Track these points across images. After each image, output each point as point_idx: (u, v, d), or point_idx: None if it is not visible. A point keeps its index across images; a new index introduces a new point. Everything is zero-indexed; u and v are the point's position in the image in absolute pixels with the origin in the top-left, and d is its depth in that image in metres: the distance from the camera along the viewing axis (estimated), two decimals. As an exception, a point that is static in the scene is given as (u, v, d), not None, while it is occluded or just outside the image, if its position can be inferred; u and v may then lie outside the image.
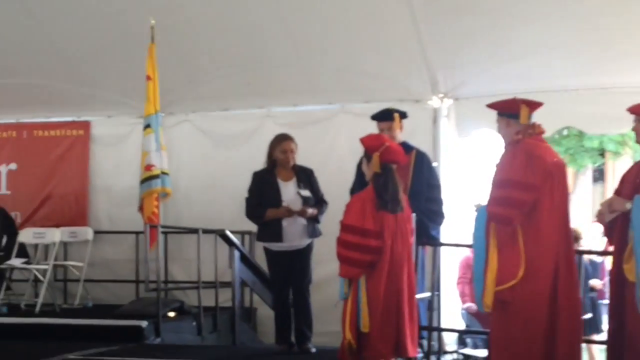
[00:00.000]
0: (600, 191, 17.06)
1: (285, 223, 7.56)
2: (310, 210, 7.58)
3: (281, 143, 7.71)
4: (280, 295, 7.75)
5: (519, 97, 6.15)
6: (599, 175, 17.68)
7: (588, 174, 17.36)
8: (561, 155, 15.30)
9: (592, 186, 17.50)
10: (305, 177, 7.75)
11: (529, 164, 5.77)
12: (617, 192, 5.72)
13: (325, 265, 8.08)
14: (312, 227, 7.66)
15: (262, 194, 7.68)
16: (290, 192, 7.64)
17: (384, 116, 7.70)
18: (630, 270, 5.41)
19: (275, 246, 7.65)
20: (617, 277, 5.62)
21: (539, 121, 6.08)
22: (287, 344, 7.65)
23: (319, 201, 7.74)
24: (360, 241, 6.18)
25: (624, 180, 5.78)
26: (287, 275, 7.67)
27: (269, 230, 7.62)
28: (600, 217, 5.75)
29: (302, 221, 7.60)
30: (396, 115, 7.63)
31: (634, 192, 5.53)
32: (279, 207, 7.55)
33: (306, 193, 7.63)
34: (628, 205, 5.46)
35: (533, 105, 6.04)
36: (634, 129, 5.77)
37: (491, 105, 6.21)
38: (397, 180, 6.42)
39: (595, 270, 9.63)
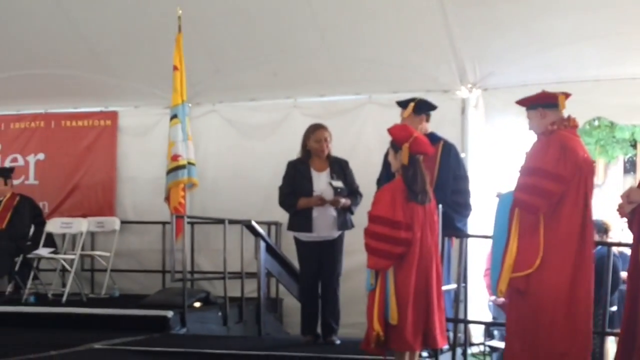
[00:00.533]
0: (632, 182, 16.90)
1: (315, 213, 7.54)
2: (343, 200, 7.54)
3: (315, 132, 7.68)
4: (308, 286, 7.72)
5: (549, 89, 6.12)
6: (630, 167, 17.53)
7: (619, 165, 17.22)
8: (592, 146, 15.32)
9: (623, 177, 17.36)
10: (340, 168, 7.72)
11: (562, 155, 5.73)
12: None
13: (352, 256, 8.02)
14: (344, 218, 7.63)
15: (295, 183, 7.66)
16: (322, 182, 7.62)
17: (400, 104, 7.71)
18: None
19: (304, 236, 7.63)
20: (635, 269, 5.56)
21: (569, 111, 6.02)
22: (313, 335, 7.62)
23: (352, 192, 7.69)
24: (391, 232, 6.12)
25: None
26: (316, 266, 7.64)
27: (299, 219, 7.60)
28: (620, 209, 5.69)
29: (333, 212, 7.57)
30: (410, 105, 7.59)
31: None
32: (312, 196, 7.55)
33: (338, 184, 7.60)
34: None
35: (566, 95, 6.03)
36: None
37: (522, 102, 6.15)
38: (424, 171, 6.37)
39: (625, 262, 9.51)
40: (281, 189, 7.77)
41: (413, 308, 6.11)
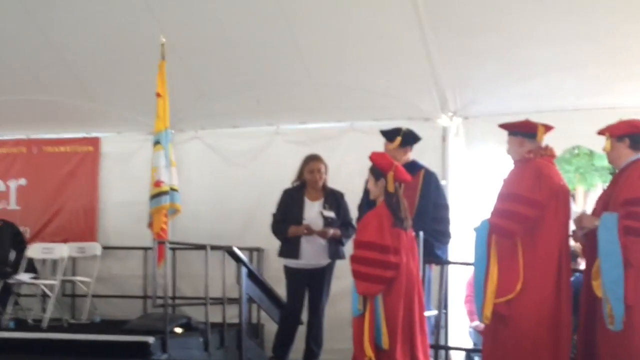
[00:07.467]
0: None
1: (304, 241, 7.66)
2: (332, 231, 7.65)
3: (309, 163, 7.90)
4: (290, 313, 7.77)
5: (530, 118, 6.25)
6: (609, 195, 17.61)
7: (598, 193, 17.30)
8: (572, 174, 15.36)
9: (602, 206, 17.45)
10: (334, 199, 7.86)
11: (538, 181, 5.85)
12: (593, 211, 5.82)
13: (337, 281, 8.09)
14: (335, 248, 7.73)
15: (287, 211, 7.76)
16: (313, 211, 7.78)
17: (385, 134, 7.77)
18: (598, 286, 5.45)
19: (293, 263, 7.76)
20: (588, 293, 5.65)
21: (549, 139, 6.13)
22: (281, 360, 7.68)
23: (344, 224, 7.79)
24: (380, 257, 6.19)
25: (599, 198, 5.89)
26: (302, 293, 7.74)
27: (288, 246, 7.77)
28: (574, 234, 5.81)
29: (322, 241, 7.67)
30: (398, 138, 7.64)
31: (602, 210, 5.58)
32: (301, 225, 7.62)
33: (330, 214, 7.73)
34: (597, 223, 5.51)
35: (547, 128, 6.14)
36: (603, 149, 5.86)
37: (505, 126, 6.27)
38: (403, 198, 6.46)
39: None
40: (274, 216, 7.92)
41: (402, 332, 6.16)
